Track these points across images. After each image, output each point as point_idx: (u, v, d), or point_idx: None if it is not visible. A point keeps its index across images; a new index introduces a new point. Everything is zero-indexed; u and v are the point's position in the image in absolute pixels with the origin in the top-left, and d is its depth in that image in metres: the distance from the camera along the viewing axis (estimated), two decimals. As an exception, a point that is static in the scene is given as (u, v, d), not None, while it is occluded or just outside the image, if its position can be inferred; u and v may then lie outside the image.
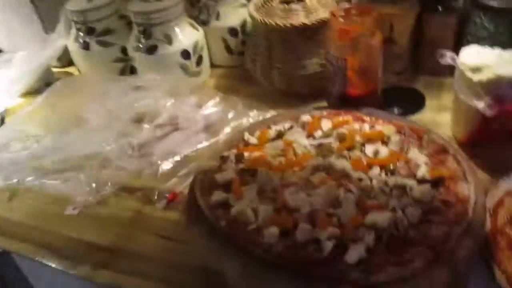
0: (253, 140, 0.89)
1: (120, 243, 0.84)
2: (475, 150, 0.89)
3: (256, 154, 0.83)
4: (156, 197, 0.91)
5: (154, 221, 0.88)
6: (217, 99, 1.16)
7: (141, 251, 0.82)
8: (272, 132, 0.90)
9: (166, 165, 0.97)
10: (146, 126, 1.07)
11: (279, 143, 0.86)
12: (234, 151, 0.86)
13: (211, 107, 1.13)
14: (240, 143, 0.90)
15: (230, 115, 1.11)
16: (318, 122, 0.89)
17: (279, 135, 0.88)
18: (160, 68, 1.19)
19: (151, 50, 1.18)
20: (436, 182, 0.72)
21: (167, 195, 0.91)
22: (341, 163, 0.77)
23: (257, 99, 1.16)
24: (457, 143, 0.94)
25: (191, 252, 0.78)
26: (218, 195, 0.76)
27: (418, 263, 0.61)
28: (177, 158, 0.98)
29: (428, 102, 1.09)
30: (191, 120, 1.09)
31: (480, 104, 0.85)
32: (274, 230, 0.67)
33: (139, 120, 1.10)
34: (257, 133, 0.91)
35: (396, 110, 1.07)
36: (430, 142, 0.81)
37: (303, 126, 0.90)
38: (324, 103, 1.12)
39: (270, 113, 1.10)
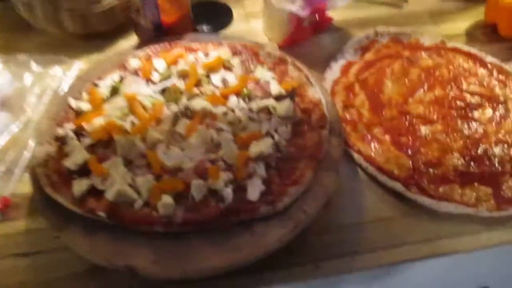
0: (84, 105, 0.74)
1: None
2: (292, 50, 0.96)
3: (99, 121, 0.70)
4: (-18, 213, 0.71)
5: (-7, 241, 0.69)
6: (-2, 63, 0.91)
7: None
8: (102, 89, 0.76)
9: (-26, 169, 0.74)
10: None
11: (120, 101, 0.74)
12: (70, 125, 0.71)
13: (-5, 76, 0.88)
14: (69, 113, 0.74)
15: (27, 80, 0.89)
16: (149, 63, 0.80)
17: (114, 91, 0.76)
18: None
19: None
20: (291, 94, 0.75)
21: (-5, 205, 0.72)
22: (198, 103, 0.72)
23: (50, 51, 0.96)
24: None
25: (70, 259, 0.65)
26: (80, 185, 0.63)
27: (309, 175, 0.65)
28: (-15, 155, 0.76)
29: (235, 12, 1.08)
30: (-25, 101, 0.84)
31: (294, 7, 0.89)
32: (167, 200, 0.61)
33: None
34: (84, 95, 0.76)
35: (205, 28, 1.03)
36: (267, 56, 0.82)
37: (135, 72, 0.79)
38: (133, 39, 1.00)
39: (77, 65, 0.93)
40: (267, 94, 0.75)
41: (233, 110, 0.73)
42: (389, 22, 1.03)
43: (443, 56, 0.95)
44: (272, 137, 0.68)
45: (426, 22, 1.05)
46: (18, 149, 0.78)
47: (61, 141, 0.69)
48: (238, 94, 0.75)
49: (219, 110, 0.72)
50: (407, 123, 0.83)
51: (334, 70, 0.92)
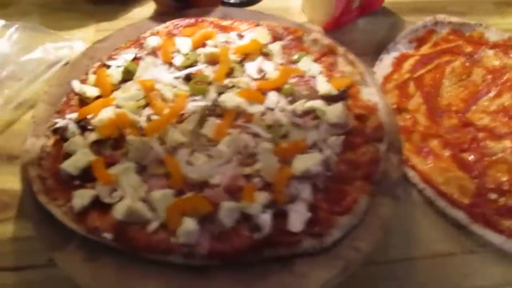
0: (91, 90, 0.60)
1: None
2: (334, 35, 0.81)
3: (108, 112, 0.57)
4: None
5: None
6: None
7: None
8: (114, 71, 0.62)
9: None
10: None
11: (134, 88, 0.60)
12: (72, 115, 0.58)
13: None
14: (72, 99, 0.61)
15: (21, 46, 0.75)
16: (171, 43, 0.66)
17: (128, 74, 0.62)
18: None
19: None
20: (342, 95, 0.62)
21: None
22: (231, 99, 0.59)
23: (54, 14, 0.81)
24: (317, 30, 0.84)
25: (68, 278, 0.54)
26: (81, 197, 0.51)
27: (363, 202, 0.53)
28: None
29: (269, -17, 0.93)
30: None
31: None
32: (190, 225, 0.49)
33: None
34: (91, 77, 0.62)
35: (233, 1, 0.88)
36: (312, 43, 0.68)
37: (154, 52, 0.65)
38: (150, 7, 0.85)
39: (80, 33, 0.79)
40: (313, 93, 0.62)
41: (272, 110, 0.59)
42: (449, 10, 0.89)
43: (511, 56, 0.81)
44: (321, 150, 0.56)
45: (492, 12, 0.91)
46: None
47: (60, 134, 0.56)
48: (278, 90, 0.62)
49: (256, 109, 0.59)
50: (470, 136, 0.70)
51: (385, 64, 0.79)
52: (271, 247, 0.49)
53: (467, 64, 0.79)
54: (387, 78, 0.77)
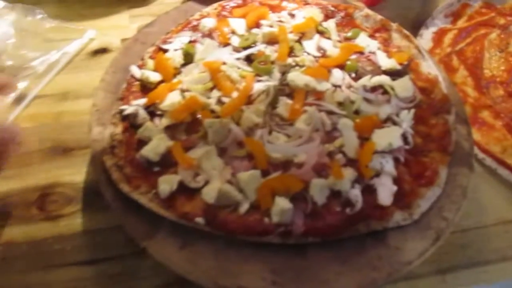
0: (153, 75, 0.58)
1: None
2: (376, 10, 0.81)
3: (176, 97, 0.56)
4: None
5: (39, 247, 0.55)
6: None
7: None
8: (173, 54, 0.60)
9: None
10: None
11: (196, 70, 0.59)
12: (139, 101, 0.56)
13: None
14: (132, 84, 0.59)
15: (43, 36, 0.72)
16: (225, 24, 0.64)
17: (188, 57, 0.60)
18: None
19: None
20: (405, 70, 0.62)
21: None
22: (300, 77, 0.58)
23: (81, 3, 0.78)
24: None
25: (146, 268, 0.52)
26: (168, 182, 0.49)
27: (443, 172, 0.53)
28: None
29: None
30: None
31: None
32: (283, 204, 0.48)
33: None
34: (149, 62, 0.60)
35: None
36: (364, 19, 0.68)
37: (209, 34, 0.64)
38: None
39: (114, 20, 0.76)
40: (376, 68, 0.61)
41: (339, 87, 0.59)
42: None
43: (543, 26, 0.82)
44: (395, 124, 0.56)
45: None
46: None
47: (130, 121, 0.54)
48: (341, 67, 0.61)
49: (324, 86, 0.58)
50: (518, 105, 0.71)
51: (426, 39, 0.79)
52: (363, 221, 0.49)
53: (502, 36, 0.80)
54: (430, 53, 0.77)
